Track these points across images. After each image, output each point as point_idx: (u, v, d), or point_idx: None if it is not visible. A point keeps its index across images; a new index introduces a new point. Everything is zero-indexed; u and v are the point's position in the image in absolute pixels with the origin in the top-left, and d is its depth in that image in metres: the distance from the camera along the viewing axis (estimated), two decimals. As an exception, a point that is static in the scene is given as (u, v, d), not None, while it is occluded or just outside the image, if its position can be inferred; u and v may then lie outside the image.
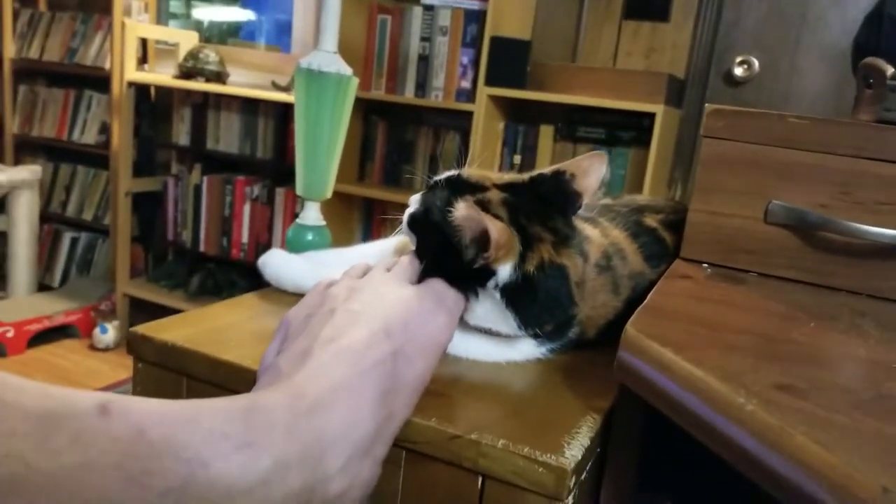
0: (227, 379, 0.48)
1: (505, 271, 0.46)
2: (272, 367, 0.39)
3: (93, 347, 2.68)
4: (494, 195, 0.49)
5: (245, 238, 2.61)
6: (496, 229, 0.44)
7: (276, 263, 0.63)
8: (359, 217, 2.55)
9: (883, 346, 0.45)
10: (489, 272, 0.46)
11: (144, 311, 2.74)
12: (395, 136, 2.44)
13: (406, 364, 0.39)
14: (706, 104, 0.64)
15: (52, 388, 0.27)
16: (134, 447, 0.27)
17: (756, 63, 2.09)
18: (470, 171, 0.52)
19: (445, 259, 0.47)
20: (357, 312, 0.41)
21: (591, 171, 0.52)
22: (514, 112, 2.24)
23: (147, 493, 0.27)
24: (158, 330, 0.52)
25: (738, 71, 2.11)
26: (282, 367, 0.38)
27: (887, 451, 0.30)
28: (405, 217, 0.52)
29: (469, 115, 2.10)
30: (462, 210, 0.45)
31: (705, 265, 0.63)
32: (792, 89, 2.07)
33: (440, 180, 0.52)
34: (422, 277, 0.48)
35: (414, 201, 0.52)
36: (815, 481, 0.27)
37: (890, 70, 0.63)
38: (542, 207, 0.50)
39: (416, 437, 0.42)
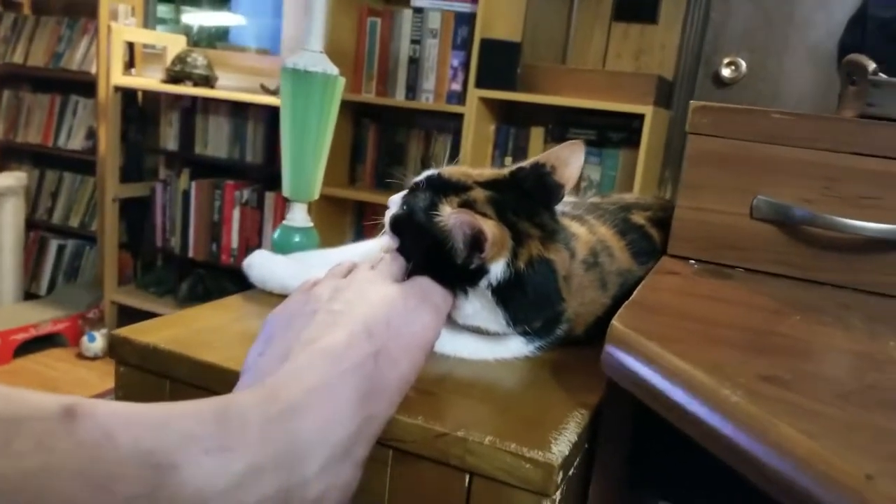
0: (211, 381, 0.47)
1: (498, 269, 0.46)
2: (251, 369, 0.39)
3: (81, 356, 2.65)
4: (479, 194, 0.49)
5: (235, 243, 2.60)
6: (491, 229, 0.44)
7: (262, 264, 0.63)
8: (350, 220, 2.55)
9: (867, 338, 0.45)
10: (481, 271, 0.46)
11: (133, 318, 2.71)
12: (385, 138, 2.43)
13: (389, 364, 0.39)
14: (691, 102, 0.64)
15: (14, 390, 0.27)
16: (100, 451, 0.27)
17: (743, 64, 2.11)
18: (450, 170, 0.52)
19: (432, 260, 0.47)
20: (338, 313, 0.41)
21: (571, 160, 0.52)
22: (504, 114, 2.25)
23: (114, 499, 0.26)
24: (141, 332, 0.52)
25: (726, 72, 2.12)
26: (260, 369, 0.38)
27: (871, 440, 0.29)
28: (387, 219, 0.52)
29: (460, 117, 2.10)
30: (453, 214, 0.45)
31: (692, 261, 0.63)
32: (779, 90, 2.08)
33: (420, 181, 0.51)
34: (409, 276, 0.48)
35: (394, 203, 0.52)
36: (799, 470, 0.27)
37: (871, 66, 0.63)
38: (527, 202, 0.50)
39: (402, 436, 0.41)
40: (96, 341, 2.63)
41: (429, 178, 0.51)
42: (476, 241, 0.45)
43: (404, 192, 0.52)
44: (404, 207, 0.50)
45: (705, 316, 0.47)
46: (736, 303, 0.52)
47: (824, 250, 0.60)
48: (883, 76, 0.64)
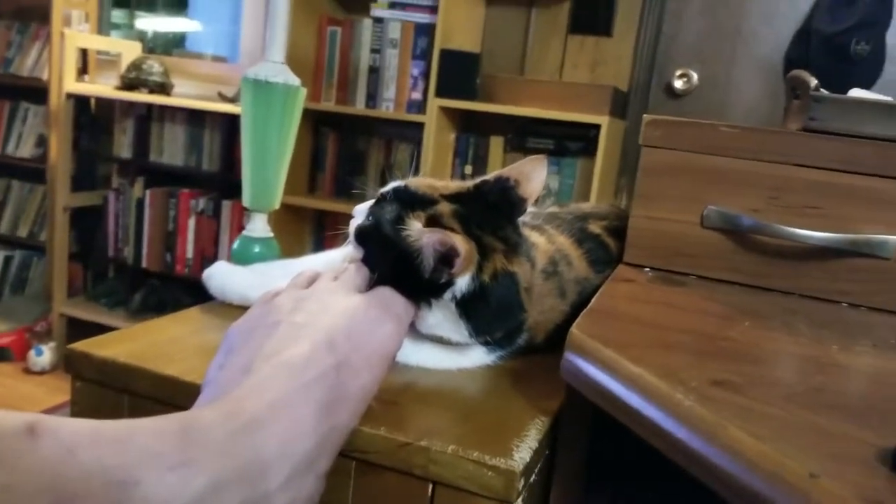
0: (171, 394, 0.47)
1: (463, 282, 0.47)
2: (213, 382, 0.39)
3: (28, 371, 2.56)
4: (445, 208, 0.49)
5: (190, 253, 2.55)
6: (463, 245, 0.44)
7: (222, 276, 0.62)
8: (310, 229, 2.53)
9: (811, 342, 0.47)
10: (447, 284, 0.47)
11: (83, 331, 2.62)
12: (346, 147, 2.43)
13: (351, 375, 0.39)
14: (644, 116, 0.66)
15: None
16: (63, 468, 0.27)
17: (695, 76, 2.17)
18: (416, 182, 0.52)
19: (397, 271, 0.47)
20: (300, 325, 0.41)
21: (534, 175, 0.53)
22: (464, 123, 2.26)
23: None
24: (98, 346, 0.51)
25: (678, 83, 2.18)
26: (222, 383, 0.37)
27: (816, 440, 0.31)
28: (352, 229, 0.52)
29: (420, 126, 2.11)
30: (426, 233, 0.45)
31: (647, 269, 0.65)
32: (729, 101, 2.15)
33: (387, 192, 0.52)
34: (372, 286, 0.48)
35: (360, 212, 0.52)
36: (748, 470, 0.28)
37: (813, 82, 0.66)
38: (491, 216, 0.50)
39: (365, 447, 0.41)
40: (44, 355, 2.55)
41: (395, 190, 0.51)
42: (445, 257, 0.45)
43: (370, 203, 0.52)
44: (370, 218, 0.50)
45: (659, 322, 0.49)
46: (689, 309, 0.54)
47: (772, 258, 0.62)
48: (824, 91, 0.67)
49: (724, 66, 2.14)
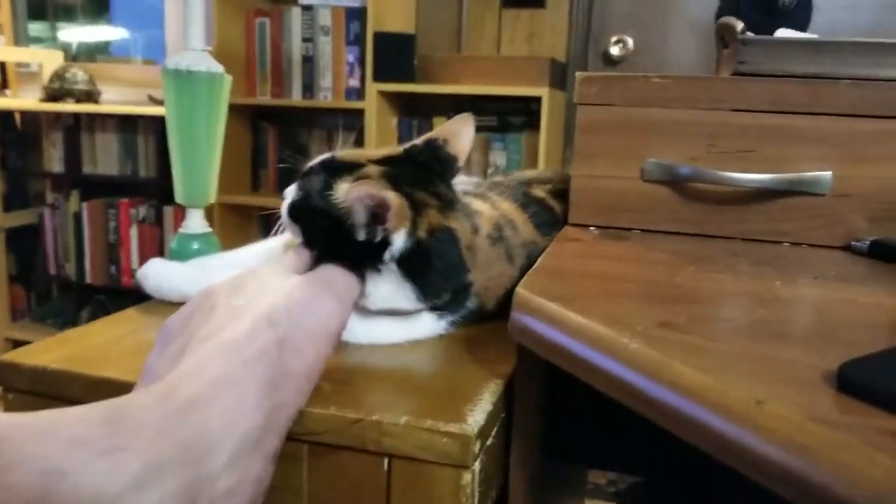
0: (109, 397, 0.44)
1: (400, 239, 0.46)
2: (150, 371, 0.37)
3: (-23, 400, 2.46)
4: (373, 170, 0.49)
5: (135, 263, 2.47)
6: (393, 199, 0.43)
7: (157, 273, 0.60)
8: (256, 227, 2.48)
9: (754, 280, 0.48)
10: (384, 244, 0.46)
11: (34, 352, 2.54)
12: (286, 140, 2.38)
13: (293, 353, 0.38)
14: (577, 73, 0.66)
15: None
16: None
17: (630, 41, 2.19)
18: (344, 152, 0.51)
19: (334, 243, 0.46)
20: (239, 307, 0.39)
21: (462, 133, 0.53)
22: (406, 106, 2.24)
23: None
24: (29, 355, 0.48)
25: (615, 50, 2.20)
26: (156, 370, 0.36)
27: (760, 369, 0.31)
28: (284, 208, 0.50)
29: (361, 112, 2.08)
30: (354, 188, 0.44)
31: (592, 228, 0.65)
32: (666, 64, 2.18)
33: (314, 165, 0.51)
34: (314, 266, 0.47)
35: (290, 192, 0.51)
36: (694, 403, 0.28)
37: (740, 25, 0.67)
38: (422, 175, 0.50)
39: (316, 428, 0.40)
40: (-7, 384, 2.45)
41: (322, 162, 0.51)
42: (376, 215, 0.44)
43: (299, 180, 0.51)
44: (300, 193, 0.49)
45: (605, 275, 0.48)
46: (634, 260, 0.54)
47: (713, 205, 0.62)
48: (750, 34, 0.67)
49: (658, 31, 2.16)
